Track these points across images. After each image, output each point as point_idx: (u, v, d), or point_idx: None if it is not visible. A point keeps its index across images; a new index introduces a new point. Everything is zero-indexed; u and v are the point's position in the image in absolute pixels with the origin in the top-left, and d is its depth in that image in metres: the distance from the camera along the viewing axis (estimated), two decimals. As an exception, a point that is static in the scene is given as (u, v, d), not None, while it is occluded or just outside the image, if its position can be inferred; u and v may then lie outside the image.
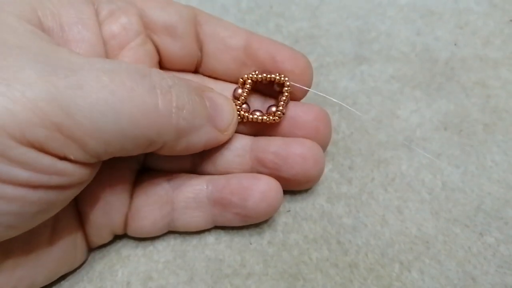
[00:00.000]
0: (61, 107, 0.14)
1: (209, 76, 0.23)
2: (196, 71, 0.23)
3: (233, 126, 0.21)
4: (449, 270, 0.21)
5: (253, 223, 0.22)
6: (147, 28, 0.21)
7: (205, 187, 0.21)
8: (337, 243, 0.22)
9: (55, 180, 0.15)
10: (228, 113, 0.20)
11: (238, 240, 0.22)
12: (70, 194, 0.17)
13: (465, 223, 0.22)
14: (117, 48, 0.20)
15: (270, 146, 0.21)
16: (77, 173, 0.16)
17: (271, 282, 0.21)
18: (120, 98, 0.15)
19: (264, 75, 0.21)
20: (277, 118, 0.21)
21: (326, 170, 0.24)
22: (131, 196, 0.21)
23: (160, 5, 0.21)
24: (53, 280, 0.20)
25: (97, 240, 0.21)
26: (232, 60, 0.22)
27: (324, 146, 0.22)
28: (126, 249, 0.22)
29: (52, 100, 0.14)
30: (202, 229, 0.22)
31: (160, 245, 0.22)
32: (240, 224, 0.22)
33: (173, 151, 0.18)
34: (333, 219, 0.23)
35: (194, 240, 0.22)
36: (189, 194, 0.21)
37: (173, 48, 0.22)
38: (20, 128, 0.14)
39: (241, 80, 0.22)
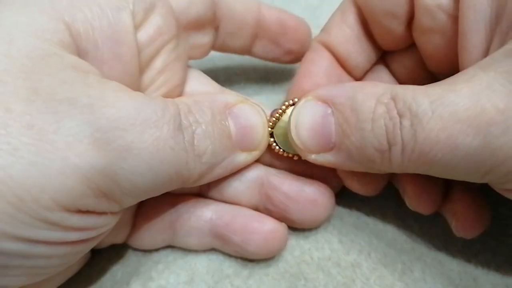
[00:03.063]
0: (109, 176, 0.15)
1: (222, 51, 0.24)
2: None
3: (263, 144, 0.20)
4: (450, 270, 0.21)
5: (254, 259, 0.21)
6: (179, 27, 0.20)
7: (210, 217, 0.21)
8: (338, 242, 0.22)
9: (100, 231, 0.16)
10: (258, 132, 0.19)
11: (239, 240, 0.22)
12: (105, 234, 0.17)
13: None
14: (151, 54, 0.19)
15: (283, 184, 0.20)
16: (113, 221, 0.17)
17: (272, 282, 0.21)
18: (160, 159, 0.16)
19: None
20: None
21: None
22: (134, 217, 0.21)
23: None
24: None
25: (98, 247, 0.21)
26: (249, 36, 0.23)
27: (338, 187, 0.22)
28: (126, 250, 0.22)
29: (104, 171, 0.14)
30: (200, 249, 0.22)
31: (161, 245, 0.22)
32: (238, 256, 0.21)
33: (195, 185, 0.18)
34: (335, 218, 0.23)
35: (195, 240, 0.22)
36: (192, 223, 0.21)
37: (201, 41, 0.21)
38: (73, 201, 0.14)
39: (286, 103, 0.20)
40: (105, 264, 0.21)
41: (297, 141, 0.18)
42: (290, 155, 0.20)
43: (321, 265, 0.21)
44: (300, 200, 0.20)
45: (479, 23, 0.16)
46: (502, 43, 0.15)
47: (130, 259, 0.22)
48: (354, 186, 0.21)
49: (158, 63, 0.19)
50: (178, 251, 0.22)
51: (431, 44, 0.19)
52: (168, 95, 0.20)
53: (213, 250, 0.22)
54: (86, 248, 0.17)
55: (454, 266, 0.21)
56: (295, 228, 0.22)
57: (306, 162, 0.20)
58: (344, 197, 0.23)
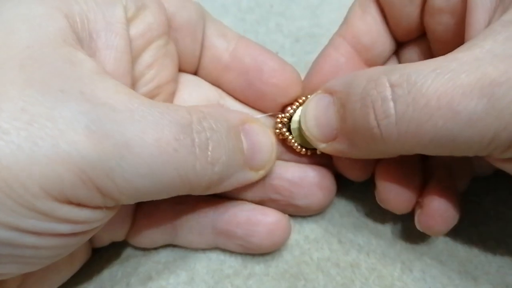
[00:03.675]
0: (104, 171, 0.14)
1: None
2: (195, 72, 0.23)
3: (270, 165, 0.20)
4: (450, 270, 0.21)
5: (257, 253, 0.21)
6: (170, 27, 0.20)
7: (212, 213, 0.21)
8: (338, 242, 0.22)
9: (93, 225, 0.16)
10: (266, 153, 0.19)
11: (239, 240, 0.22)
12: (99, 229, 0.17)
13: (465, 223, 0.22)
14: (141, 48, 0.19)
15: (287, 172, 0.21)
16: (108, 216, 0.17)
17: (272, 282, 0.21)
18: (162, 161, 0.15)
19: None
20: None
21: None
22: (134, 213, 0.21)
23: (182, 3, 0.20)
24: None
25: (98, 245, 0.21)
26: (215, 61, 0.21)
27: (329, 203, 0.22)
28: (126, 250, 0.22)
29: (98, 164, 0.14)
30: (203, 248, 0.22)
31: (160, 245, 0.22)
32: (242, 252, 0.21)
33: (201, 193, 0.18)
34: (334, 218, 0.23)
35: (195, 240, 0.22)
36: (193, 223, 0.21)
37: (191, 48, 0.21)
38: (64, 192, 0.14)
39: (300, 101, 0.21)
40: (105, 264, 0.21)
41: (306, 132, 0.19)
42: (304, 151, 0.21)
43: (320, 265, 0.21)
44: (304, 185, 0.21)
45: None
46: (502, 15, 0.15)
47: (130, 259, 0.22)
48: (343, 169, 0.21)
49: (147, 57, 0.19)
50: (178, 251, 0.22)
51: (440, 25, 0.19)
52: (158, 91, 0.20)
53: (213, 250, 0.22)
54: (78, 241, 0.16)
55: (454, 266, 0.21)
56: (295, 228, 0.22)
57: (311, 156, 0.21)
58: (343, 197, 0.23)
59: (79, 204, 0.15)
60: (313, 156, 0.21)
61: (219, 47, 0.21)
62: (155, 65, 0.19)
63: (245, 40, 0.22)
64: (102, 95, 0.15)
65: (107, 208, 0.16)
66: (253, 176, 0.19)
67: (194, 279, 0.21)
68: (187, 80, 0.22)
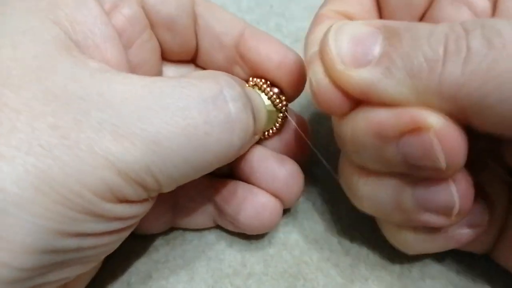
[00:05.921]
0: (142, 169, 0.15)
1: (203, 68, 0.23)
2: (192, 61, 0.22)
3: (263, 129, 0.20)
4: (449, 270, 0.21)
5: (250, 234, 0.22)
6: (150, 22, 0.20)
7: (208, 188, 0.21)
8: (338, 243, 0.22)
9: (140, 217, 0.17)
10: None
11: (239, 239, 0.22)
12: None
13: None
14: (126, 45, 0.19)
15: (249, 153, 0.20)
16: (152, 203, 0.17)
17: (271, 282, 0.21)
18: (194, 148, 0.15)
19: (268, 90, 0.20)
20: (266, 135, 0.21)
21: (325, 170, 0.24)
22: None
23: None
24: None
25: None
26: (224, 59, 0.21)
27: (290, 201, 0.21)
28: (126, 249, 0.22)
29: (133, 163, 0.14)
30: (203, 227, 0.22)
31: (160, 244, 0.22)
32: (237, 231, 0.22)
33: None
34: (334, 218, 0.23)
35: (195, 240, 0.22)
36: (191, 193, 0.21)
37: (173, 42, 0.21)
38: (113, 193, 0.15)
39: (251, 82, 0.21)
40: (105, 264, 0.21)
41: (333, 49, 0.15)
42: (266, 135, 0.21)
43: (320, 265, 0.21)
44: (261, 169, 0.20)
45: None
46: None
47: (131, 258, 0.22)
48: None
49: (134, 55, 0.19)
50: (178, 250, 0.22)
51: None
52: None
53: (212, 249, 0.22)
54: (127, 234, 0.17)
55: (453, 266, 0.21)
56: (295, 227, 0.22)
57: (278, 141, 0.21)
58: (342, 197, 0.23)
59: (128, 201, 0.15)
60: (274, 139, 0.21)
61: (226, 45, 0.21)
62: (143, 64, 0.19)
63: (248, 31, 0.21)
64: (119, 93, 0.15)
65: (152, 198, 0.16)
66: (253, 140, 0.20)
67: (194, 278, 0.21)
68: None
